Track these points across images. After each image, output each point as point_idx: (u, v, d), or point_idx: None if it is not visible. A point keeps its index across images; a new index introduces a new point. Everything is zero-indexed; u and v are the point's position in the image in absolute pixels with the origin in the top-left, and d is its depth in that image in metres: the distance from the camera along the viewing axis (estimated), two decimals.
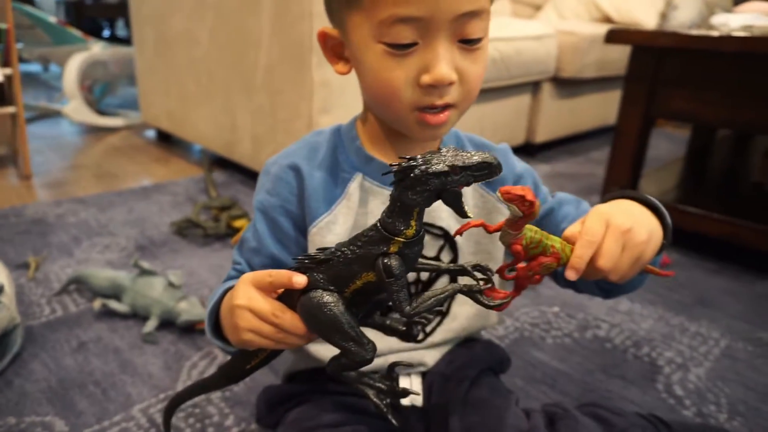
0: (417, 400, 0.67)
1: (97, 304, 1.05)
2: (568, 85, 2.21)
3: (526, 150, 2.24)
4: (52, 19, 2.62)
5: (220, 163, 2.01)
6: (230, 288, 0.55)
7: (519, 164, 0.70)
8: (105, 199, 1.66)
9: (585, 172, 2.11)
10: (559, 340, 1.06)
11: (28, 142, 1.84)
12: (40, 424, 0.80)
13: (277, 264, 0.64)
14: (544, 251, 0.48)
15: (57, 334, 1.00)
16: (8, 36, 1.68)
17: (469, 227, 0.49)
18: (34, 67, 3.91)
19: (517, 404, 0.66)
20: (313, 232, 0.62)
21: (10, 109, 1.77)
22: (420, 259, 0.49)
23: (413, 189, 0.43)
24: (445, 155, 0.42)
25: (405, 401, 0.66)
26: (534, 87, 2.13)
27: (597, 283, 0.63)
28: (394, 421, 0.54)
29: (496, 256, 0.68)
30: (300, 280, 0.48)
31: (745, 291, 1.26)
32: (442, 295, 0.47)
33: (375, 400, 0.53)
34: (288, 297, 0.50)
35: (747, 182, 1.71)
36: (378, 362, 0.67)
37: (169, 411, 0.70)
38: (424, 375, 0.69)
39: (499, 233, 0.48)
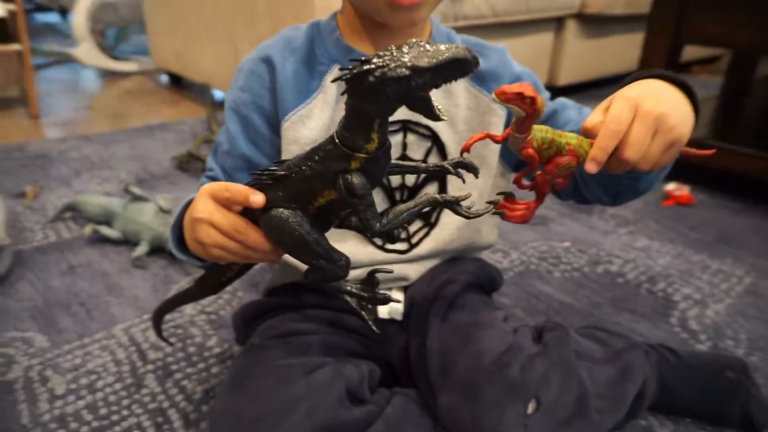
0: (397, 313, 0.62)
1: (88, 229, 1.03)
2: (594, 23, 2.07)
3: None
4: None
5: None
6: (192, 200, 0.51)
7: (517, 65, 0.65)
8: (110, 136, 1.64)
9: None
10: (567, 274, 0.99)
11: (35, 81, 1.81)
12: (21, 339, 0.78)
13: (249, 165, 0.60)
14: (559, 151, 0.43)
15: (47, 257, 0.98)
16: None
17: (474, 142, 0.44)
18: (53, 17, 3.89)
19: (506, 321, 0.61)
20: (285, 126, 0.58)
21: (14, 47, 1.73)
22: (397, 161, 0.44)
23: (370, 98, 0.36)
24: (406, 54, 0.35)
25: (384, 314, 0.62)
26: (557, 24, 2.00)
27: (603, 187, 0.57)
28: (375, 329, 0.50)
29: (490, 160, 0.63)
30: (257, 199, 0.43)
31: None
32: (415, 208, 0.42)
33: (357, 308, 0.50)
34: (250, 211, 0.46)
35: None
36: (357, 273, 0.62)
37: (156, 322, 0.66)
38: (405, 290, 0.64)
39: (507, 140, 0.44)
